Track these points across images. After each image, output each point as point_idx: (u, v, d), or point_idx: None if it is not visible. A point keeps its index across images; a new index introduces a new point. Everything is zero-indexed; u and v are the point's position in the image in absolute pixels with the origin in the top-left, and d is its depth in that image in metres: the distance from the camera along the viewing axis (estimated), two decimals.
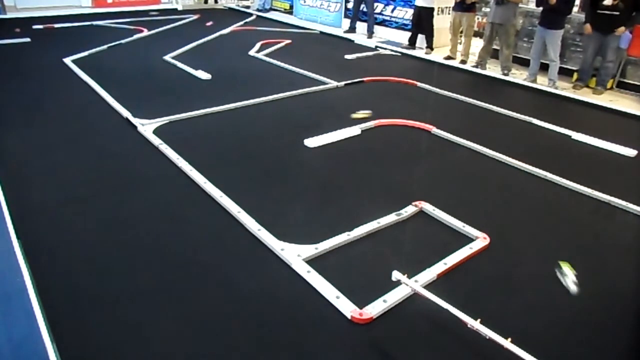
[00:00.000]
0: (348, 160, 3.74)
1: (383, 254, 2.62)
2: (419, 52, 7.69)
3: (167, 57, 6.41)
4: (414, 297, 2.22)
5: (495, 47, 6.80)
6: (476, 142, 4.05)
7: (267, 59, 6.61)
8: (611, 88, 6.28)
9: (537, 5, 6.20)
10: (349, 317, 2.14)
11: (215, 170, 3.40)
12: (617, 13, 5.66)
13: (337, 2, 9.60)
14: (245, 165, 3.60)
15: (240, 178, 3.40)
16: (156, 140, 3.83)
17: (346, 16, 9.36)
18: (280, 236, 2.66)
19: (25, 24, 8.17)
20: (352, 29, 8.93)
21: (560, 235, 2.90)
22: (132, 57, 6.52)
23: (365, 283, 2.37)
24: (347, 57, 7.03)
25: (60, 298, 2.20)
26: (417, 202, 3.07)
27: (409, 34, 8.03)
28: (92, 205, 2.97)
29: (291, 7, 10.82)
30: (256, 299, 2.26)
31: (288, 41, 7.73)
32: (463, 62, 7.10)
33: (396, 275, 2.17)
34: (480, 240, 2.72)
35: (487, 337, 1.82)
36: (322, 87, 5.52)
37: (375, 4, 8.70)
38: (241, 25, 9.13)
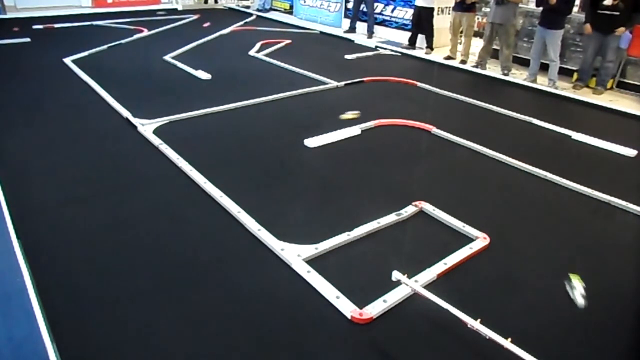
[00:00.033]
0: (348, 160, 3.74)
1: (383, 254, 2.62)
2: (419, 52, 7.69)
3: (167, 57, 6.41)
4: (414, 297, 2.22)
5: (495, 47, 6.80)
6: (476, 142, 4.05)
7: (267, 59, 6.61)
8: (611, 88, 6.28)
9: (537, 5, 6.20)
10: (349, 317, 2.14)
11: (215, 170, 3.40)
12: (617, 13, 5.66)
13: (337, 2, 9.60)
14: (245, 165, 3.60)
15: (240, 178, 3.40)
16: (156, 140, 3.83)
17: (346, 16, 9.36)
18: (280, 236, 2.66)
19: (25, 24, 8.18)
20: (352, 29, 8.93)
21: (560, 235, 2.90)
22: (132, 57, 6.52)
23: (365, 283, 2.37)
24: (347, 57, 7.03)
25: (60, 298, 2.20)
26: (417, 202, 3.07)
27: (409, 34, 8.03)
28: (92, 205, 2.97)
29: (291, 7, 10.82)
30: (256, 299, 2.26)
31: (288, 41, 7.73)
32: (463, 62, 7.10)
33: (396, 275, 2.17)
34: (480, 240, 2.72)
35: (487, 337, 1.82)
36: (322, 87, 5.52)
37: (375, 4, 8.70)
38: (241, 25, 9.13)
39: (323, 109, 4.87)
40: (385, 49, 7.72)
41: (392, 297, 2.24)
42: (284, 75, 5.96)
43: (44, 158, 3.56)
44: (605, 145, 4.19)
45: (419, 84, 5.81)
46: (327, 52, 7.36)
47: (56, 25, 8.15)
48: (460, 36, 7.36)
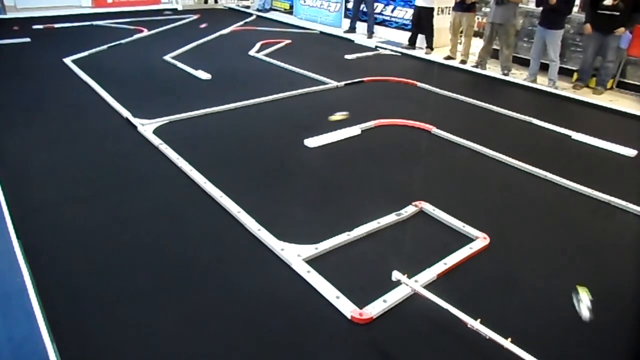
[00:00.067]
0: (348, 160, 3.74)
1: (383, 254, 2.62)
2: (419, 52, 7.69)
3: (167, 57, 6.41)
4: (414, 297, 2.22)
5: (495, 47, 6.80)
6: (476, 142, 4.05)
7: (267, 59, 6.61)
8: (611, 88, 6.28)
9: (537, 5, 6.20)
10: (349, 317, 2.14)
11: (215, 170, 3.40)
12: (617, 13, 5.66)
13: (337, 2, 9.60)
14: (245, 165, 3.60)
15: (240, 178, 3.40)
16: (156, 140, 3.83)
17: (346, 16, 9.36)
18: (280, 236, 2.66)
19: (25, 24, 8.17)
20: (352, 29, 8.93)
21: (560, 235, 2.90)
22: (132, 57, 6.52)
23: (365, 283, 2.37)
24: (347, 57, 7.03)
25: (60, 298, 2.20)
26: (417, 202, 3.07)
27: (409, 34, 8.03)
28: (92, 205, 2.97)
29: (291, 7, 10.82)
30: (256, 299, 2.26)
31: (288, 41, 7.73)
32: (463, 62, 7.10)
33: (396, 275, 2.17)
34: (480, 240, 2.72)
35: (487, 337, 1.82)
36: (322, 87, 5.52)
37: (375, 4, 8.70)
38: (241, 25, 9.13)
39: (323, 109, 4.86)
40: (385, 49, 7.72)
41: (392, 297, 2.24)
42: (284, 75, 5.96)
43: (44, 158, 3.56)
44: (605, 145, 4.19)
45: (419, 84, 5.81)
46: (327, 52, 7.36)
47: (56, 25, 8.15)
48: (460, 36, 7.36)
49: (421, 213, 3.02)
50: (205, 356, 1.95)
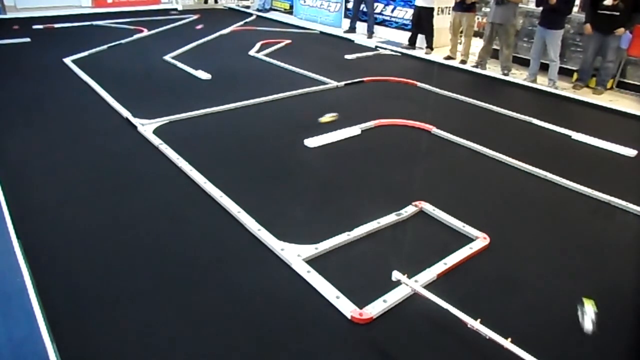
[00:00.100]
0: (348, 160, 3.74)
1: (383, 254, 2.62)
2: (419, 52, 7.69)
3: (167, 57, 6.41)
4: (414, 297, 2.22)
5: (495, 47, 6.80)
6: (476, 142, 4.05)
7: (267, 59, 6.61)
8: (611, 88, 6.28)
9: (537, 5, 6.20)
10: (349, 317, 2.14)
11: (215, 170, 3.40)
12: (617, 13, 5.66)
13: (337, 2, 9.60)
14: (245, 165, 3.60)
15: (240, 178, 3.40)
16: (156, 140, 3.83)
17: (346, 16, 9.37)
18: (280, 236, 2.66)
19: (25, 23, 8.17)
20: (352, 29, 8.93)
21: (560, 235, 2.90)
22: (132, 57, 6.52)
23: (365, 283, 2.37)
24: (347, 57, 7.03)
25: (60, 298, 2.20)
26: (417, 202, 3.07)
27: (409, 34, 8.03)
28: (92, 205, 2.97)
29: (291, 7, 10.82)
30: (256, 299, 2.26)
31: (288, 41, 7.73)
32: (463, 62, 7.10)
33: (396, 275, 2.17)
34: (480, 240, 2.72)
35: (487, 337, 1.82)
36: (322, 87, 5.52)
37: (375, 4, 8.71)
38: (241, 25, 9.13)
39: (323, 109, 4.85)
40: (385, 49, 7.71)
41: (392, 297, 2.24)
42: (284, 75, 5.96)
43: (44, 158, 3.56)
44: (605, 145, 4.19)
45: (419, 84, 5.81)
46: (327, 52, 7.36)
47: (56, 25, 8.15)
48: (460, 36, 7.36)
49: (421, 213, 3.02)
50: (205, 356, 1.95)
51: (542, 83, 6.22)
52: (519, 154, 3.83)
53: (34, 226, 2.73)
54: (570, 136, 4.40)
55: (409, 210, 3.01)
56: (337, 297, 2.24)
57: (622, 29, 5.73)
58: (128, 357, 1.93)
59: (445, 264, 2.50)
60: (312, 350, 2.00)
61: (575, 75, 6.41)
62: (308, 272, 2.40)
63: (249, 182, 3.35)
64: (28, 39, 7.12)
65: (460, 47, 7.33)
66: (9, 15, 8.94)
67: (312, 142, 3.93)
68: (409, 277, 2.21)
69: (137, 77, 5.65)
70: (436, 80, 5.97)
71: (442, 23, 7.83)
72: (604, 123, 4.96)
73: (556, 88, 6.00)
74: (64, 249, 2.55)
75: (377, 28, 8.80)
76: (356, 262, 2.54)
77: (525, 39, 7.02)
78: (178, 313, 2.16)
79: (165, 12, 10.16)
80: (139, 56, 6.54)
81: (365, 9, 8.75)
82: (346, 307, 2.18)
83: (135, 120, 4.19)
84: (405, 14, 8.43)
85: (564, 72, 6.46)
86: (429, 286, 2.31)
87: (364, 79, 5.86)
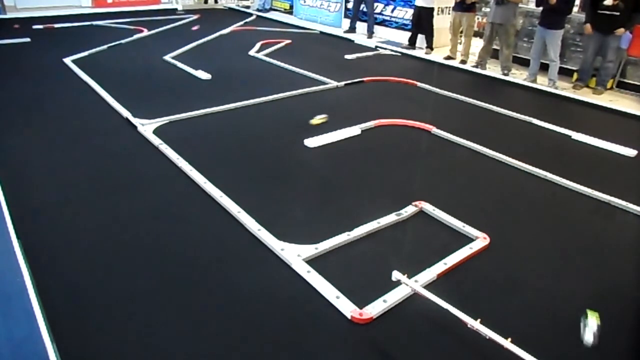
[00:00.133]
0: (348, 160, 3.74)
1: (383, 254, 2.62)
2: (419, 52, 7.69)
3: (167, 57, 6.41)
4: (414, 297, 2.22)
5: (495, 47, 6.80)
6: (476, 142, 4.05)
7: (267, 59, 6.61)
8: (611, 88, 6.28)
9: (537, 5, 6.20)
10: (349, 317, 2.14)
11: (215, 170, 3.40)
12: (617, 13, 5.66)
13: (337, 2, 9.60)
14: (245, 165, 3.60)
15: (240, 178, 3.40)
16: (156, 140, 3.83)
17: (346, 16, 9.36)
18: (280, 236, 2.66)
19: (25, 23, 8.17)
20: (352, 29, 8.93)
21: (560, 235, 2.90)
22: (132, 57, 6.52)
23: (365, 283, 2.37)
24: (347, 57, 7.03)
25: (60, 298, 2.20)
26: (417, 202, 3.07)
27: (409, 34, 8.03)
28: (92, 205, 2.97)
29: (291, 7, 10.82)
30: (256, 299, 2.26)
31: (288, 41, 7.73)
32: (463, 62, 7.10)
33: (396, 275, 2.17)
34: (480, 240, 2.72)
35: (487, 337, 1.82)
36: (322, 87, 5.52)
37: (375, 4, 8.70)
38: (241, 25, 9.13)
39: (323, 109, 4.85)
40: (385, 49, 7.71)
41: (392, 297, 2.24)
42: (284, 75, 5.96)
43: (44, 158, 3.56)
44: (605, 145, 4.19)
45: (419, 84, 5.81)
46: (327, 52, 7.36)
47: (56, 25, 8.15)
48: (460, 36, 7.36)
49: (421, 213, 3.02)
50: (205, 356, 1.95)
51: (542, 83, 6.22)
52: (519, 154, 3.83)
53: (34, 226, 2.73)
54: (570, 136, 4.40)
55: (409, 210, 3.01)
56: (337, 297, 2.24)
57: (622, 29, 5.73)
58: (128, 357, 1.93)
59: (445, 264, 2.50)
60: (312, 350, 2.00)
61: (575, 75, 6.41)
62: (308, 272, 2.40)
63: (249, 182, 3.35)
64: (28, 39, 7.12)
65: (460, 47, 7.33)
66: (9, 15, 8.94)
67: (312, 142, 3.93)
68: (409, 277, 2.21)
69: (137, 77, 5.65)
70: (436, 80, 5.97)
71: (442, 23, 7.83)
72: (604, 123, 4.96)
73: (556, 88, 6.00)
74: (64, 249, 2.55)
75: (377, 28, 8.80)
76: (356, 262, 2.54)
77: (525, 39, 7.02)
78: (178, 313, 2.16)
79: (169, 11, 10.13)
80: (139, 56, 6.54)
81: (365, 9, 8.75)
82: (346, 307, 2.18)
83: (135, 120, 4.19)
84: (405, 14, 8.43)
85: (564, 72, 6.46)
86: (429, 286, 2.31)
87: (364, 79, 5.86)
